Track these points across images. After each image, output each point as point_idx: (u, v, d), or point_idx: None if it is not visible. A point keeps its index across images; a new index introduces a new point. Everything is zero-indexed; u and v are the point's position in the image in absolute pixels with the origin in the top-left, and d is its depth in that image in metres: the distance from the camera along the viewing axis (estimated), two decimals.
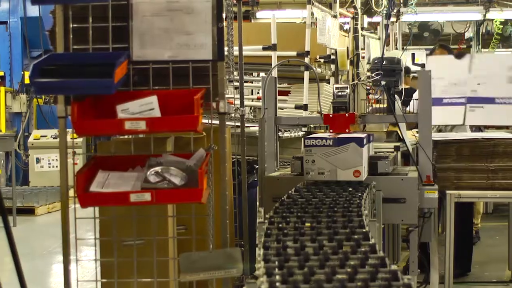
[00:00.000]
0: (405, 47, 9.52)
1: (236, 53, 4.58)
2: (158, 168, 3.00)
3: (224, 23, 3.26)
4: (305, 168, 4.05)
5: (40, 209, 10.08)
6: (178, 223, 3.61)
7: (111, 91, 2.85)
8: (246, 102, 7.70)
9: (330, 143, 4.01)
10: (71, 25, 3.18)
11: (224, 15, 3.18)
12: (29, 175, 12.95)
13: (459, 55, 6.06)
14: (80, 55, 3.13)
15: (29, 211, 9.88)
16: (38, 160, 13.06)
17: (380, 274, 2.25)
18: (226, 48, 3.64)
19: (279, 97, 7.62)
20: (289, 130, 5.68)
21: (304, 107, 5.82)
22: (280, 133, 5.28)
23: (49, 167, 12.84)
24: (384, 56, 5.06)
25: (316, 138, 4.02)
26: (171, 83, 3.13)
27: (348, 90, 4.72)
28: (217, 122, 3.18)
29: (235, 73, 4.41)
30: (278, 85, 7.95)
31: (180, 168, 3.01)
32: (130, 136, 3.29)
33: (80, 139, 11.10)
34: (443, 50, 6.33)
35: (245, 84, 8.07)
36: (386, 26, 4.95)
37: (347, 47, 4.83)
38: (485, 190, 5.03)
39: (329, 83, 6.21)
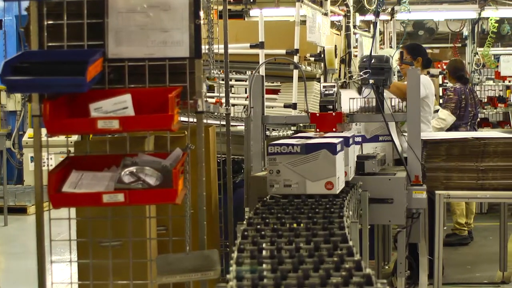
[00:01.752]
0: (398, 45, 9.44)
1: (222, 51, 4.51)
2: (133, 168, 2.93)
3: (204, 20, 3.20)
4: (268, 180, 3.54)
5: (32, 208, 10.01)
6: (158, 224, 3.55)
7: (84, 89, 2.78)
8: (238, 101, 7.66)
9: (298, 150, 3.50)
10: (45, 22, 3.11)
11: (201, 13, 3.11)
12: (23, 174, 12.89)
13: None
14: (53, 52, 3.06)
15: (21, 210, 9.82)
16: (32, 159, 12.99)
17: (354, 278, 2.20)
18: (206, 46, 3.57)
19: (269, 96, 7.58)
20: (277, 129, 5.61)
21: (293, 106, 5.75)
22: (268, 132, 5.20)
23: (44, 166, 12.75)
24: (373, 54, 5.00)
25: (281, 145, 3.52)
26: (147, 81, 3.06)
27: (335, 89, 4.65)
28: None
29: (219, 71, 4.32)
30: (269, 84, 7.94)
31: (155, 168, 2.95)
32: (108, 135, 3.23)
33: (74, 138, 11.03)
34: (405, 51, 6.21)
35: (237, 82, 8.02)
36: (375, 24, 4.87)
37: (335, 45, 4.75)
38: (475, 191, 4.96)
39: (319, 81, 6.14)
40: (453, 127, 7.28)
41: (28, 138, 13.13)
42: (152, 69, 3.09)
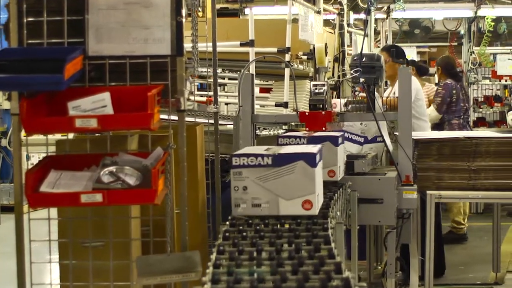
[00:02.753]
0: (393, 44, 9.38)
1: (210, 49, 4.46)
2: (112, 168, 2.88)
3: (187, 18, 3.15)
4: (233, 199, 3.00)
5: (26, 207, 9.93)
6: (144, 224, 3.50)
7: (62, 87, 2.73)
8: (231, 100, 7.61)
9: (269, 162, 2.93)
10: (25, 19, 3.06)
11: (184, 10, 3.06)
12: None
13: None
14: (33, 50, 3.01)
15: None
16: (28, 157, 12.90)
17: (333, 281, 2.15)
18: (190, 44, 3.52)
19: (261, 95, 7.53)
20: (267, 128, 5.55)
21: (284, 105, 5.69)
22: (258, 131, 5.15)
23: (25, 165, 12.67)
24: (364, 53, 4.94)
25: (248, 155, 2.95)
26: (128, 79, 3.01)
27: (325, 88, 4.60)
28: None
29: (204, 69, 4.27)
30: (263, 82, 7.89)
31: (135, 167, 2.90)
32: (89, 134, 3.18)
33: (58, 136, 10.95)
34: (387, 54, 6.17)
35: (230, 81, 7.97)
36: (366, 22, 4.80)
37: (326, 43, 4.70)
38: (466, 191, 4.91)
39: (312, 80, 6.08)
40: (446, 121, 7.23)
41: (24, 136, 13.06)
42: (134, 67, 3.04)
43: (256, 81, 8.08)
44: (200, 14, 10.61)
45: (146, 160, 2.94)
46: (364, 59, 4.91)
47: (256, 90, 8.44)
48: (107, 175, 2.86)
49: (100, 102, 2.81)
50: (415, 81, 5.66)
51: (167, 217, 3.04)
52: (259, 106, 6.41)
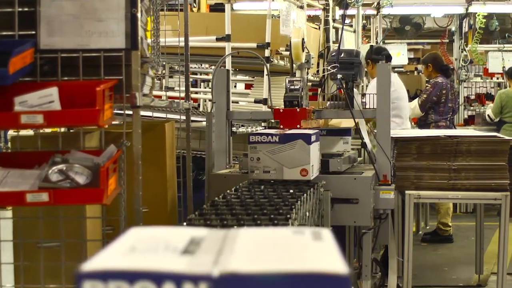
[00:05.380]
0: (379, 41, 9.27)
1: (182, 44, 4.34)
2: (62, 166, 2.76)
3: (142, 10, 3.03)
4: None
5: None
6: (107, 224, 3.39)
7: (7, 82, 2.62)
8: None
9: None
10: None
11: (142, 2, 2.94)
12: None
13: None
14: None
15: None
16: None
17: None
18: (152, 39, 3.39)
19: (242, 91, 7.41)
20: (244, 125, 5.43)
21: (264, 101, 5.57)
22: (234, 128, 5.02)
23: None
24: (343, 48, 4.82)
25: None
26: (81, 74, 2.89)
27: (302, 84, 4.48)
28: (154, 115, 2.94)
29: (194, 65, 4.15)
30: (248, 79, 7.76)
31: (86, 165, 2.78)
32: (43, 130, 3.06)
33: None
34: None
35: (210, 77, 7.83)
36: (343, 17, 4.67)
37: (303, 38, 4.58)
38: (446, 191, 4.77)
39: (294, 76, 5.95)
40: (433, 122, 7.09)
41: (14, 132, 12.95)
42: (89, 61, 2.92)
43: (241, 77, 7.99)
44: (195, 9, 10.51)
45: (98, 158, 2.83)
46: (342, 55, 4.78)
47: (242, 86, 8.35)
48: (56, 174, 2.74)
49: (47, 98, 2.69)
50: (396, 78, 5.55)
51: (120, 217, 2.92)
52: (240, 102, 6.30)
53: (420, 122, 7.24)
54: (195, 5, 11.05)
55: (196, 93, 7.83)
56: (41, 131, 3.03)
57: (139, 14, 2.87)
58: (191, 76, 8.44)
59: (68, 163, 2.78)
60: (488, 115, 8.96)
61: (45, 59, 2.94)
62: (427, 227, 7.98)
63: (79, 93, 2.83)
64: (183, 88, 4.54)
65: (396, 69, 10.24)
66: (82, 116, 2.64)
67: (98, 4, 2.88)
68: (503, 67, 9.39)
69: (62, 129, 3.20)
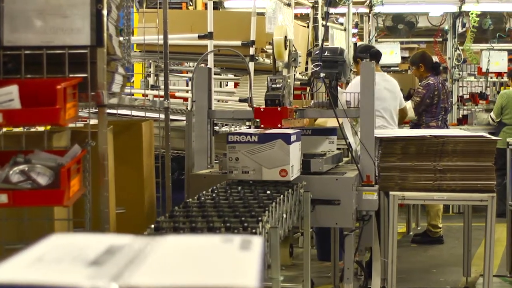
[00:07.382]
0: (371, 39, 9.18)
1: (161, 41, 4.26)
2: (23, 167, 2.68)
3: (112, 7, 2.94)
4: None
5: None
6: (75, 226, 3.30)
7: None
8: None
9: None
10: None
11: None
12: None
13: None
14: None
15: None
16: None
17: None
18: (121, 38, 3.31)
19: (228, 89, 7.32)
20: (228, 125, 5.34)
21: (249, 100, 5.47)
22: (217, 127, 4.94)
23: None
24: (326, 46, 4.74)
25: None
26: (45, 72, 2.80)
27: (283, 82, 4.39)
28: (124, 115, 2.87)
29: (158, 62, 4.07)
30: (236, 77, 7.67)
31: (49, 166, 2.69)
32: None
33: None
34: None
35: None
36: (327, 14, 4.58)
37: (285, 36, 4.49)
38: (431, 192, 4.68)
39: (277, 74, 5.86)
40: (424, 123, 7.00)
41: (7, 130, 12.86)
42: (53, 59, 2.83)
43: (232, 76, 7.90)
44: (191, 7, 10.37)
45: (62, 159, 2.74)
46: (326, 53, 4.70)
47: (231, 84, 8.27)
48: (18, 174, 2.66)
49: (7, 96, 2.60)
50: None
51: (86, 219, 2.84)
52: (226, 101, 6.21)
53: (413, 124, 7.16)
54: (191, 3, 10.97)
55: (187, 91, 7.74)
56: (4, 130, 2.94)
57: (104, 11, 2.79)
58: (179, 75, 8.38)
59: (30, 164, 2.69)
60: (490, 116, 8.91)
61: (10, 57, 2.86)
62: (418, 228, 7.89)
63: (42, 92, 2.75)
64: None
65: (391, 68, 10.16)
66: (42, 115, 2.56)
67: (62, 0, 2.79)
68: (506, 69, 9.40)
69: (41, 129, 3.13)
